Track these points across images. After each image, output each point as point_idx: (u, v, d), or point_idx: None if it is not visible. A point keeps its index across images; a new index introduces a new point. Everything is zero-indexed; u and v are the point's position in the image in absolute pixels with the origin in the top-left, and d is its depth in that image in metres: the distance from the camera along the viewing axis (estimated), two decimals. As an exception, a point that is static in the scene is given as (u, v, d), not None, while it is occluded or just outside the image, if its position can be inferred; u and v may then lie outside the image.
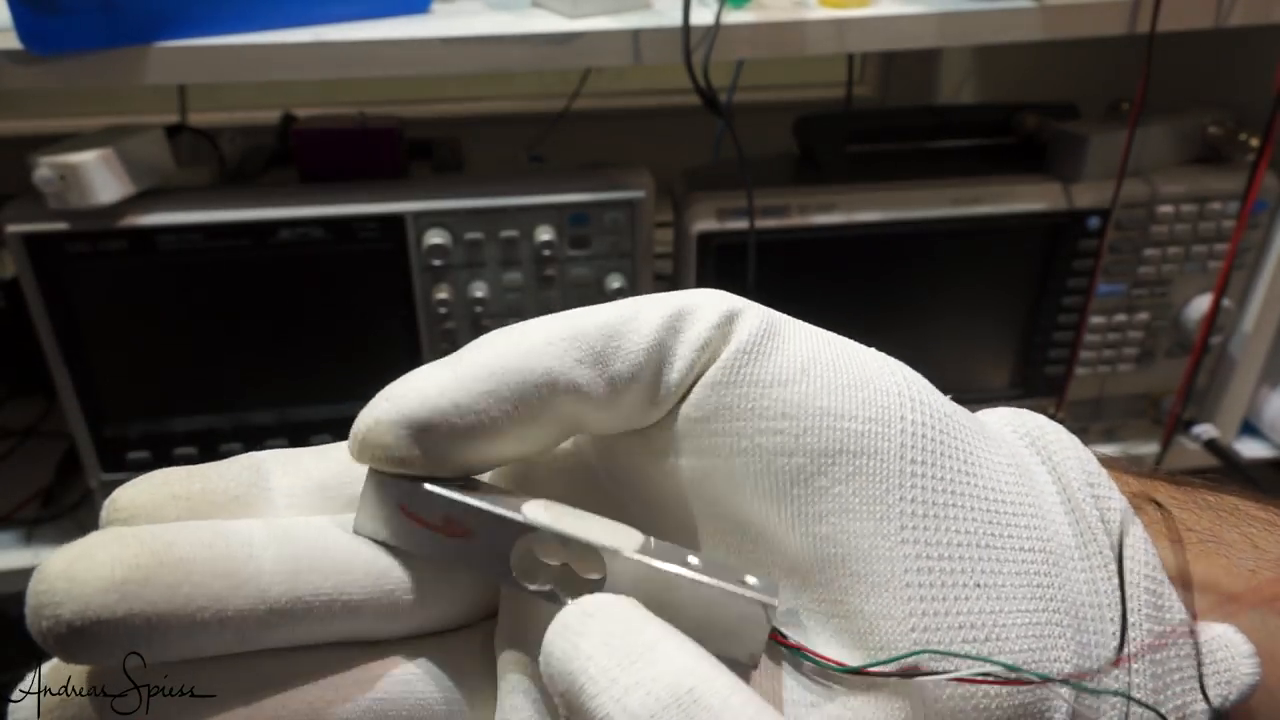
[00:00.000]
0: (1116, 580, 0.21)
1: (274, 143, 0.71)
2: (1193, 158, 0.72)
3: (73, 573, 0.17)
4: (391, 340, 0.65)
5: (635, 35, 0.56)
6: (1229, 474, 0.76)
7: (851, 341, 0.22)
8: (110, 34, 0.51)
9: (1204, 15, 0.61)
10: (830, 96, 1.07)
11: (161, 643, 0.18)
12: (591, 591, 0.19)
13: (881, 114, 0.99)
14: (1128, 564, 0.21)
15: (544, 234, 0.62)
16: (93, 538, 0.18)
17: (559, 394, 0.20)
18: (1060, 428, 0.23)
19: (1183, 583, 0.22)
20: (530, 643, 0.20)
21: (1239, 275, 0.72)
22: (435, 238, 0.61)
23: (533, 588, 0.20)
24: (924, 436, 0.20)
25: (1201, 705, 0.21)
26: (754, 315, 0.21)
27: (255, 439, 0.66)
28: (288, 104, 0.80)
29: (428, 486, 0.20)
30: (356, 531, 0.20)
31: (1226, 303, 0.71)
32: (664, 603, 0.19)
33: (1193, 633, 0.21)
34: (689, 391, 0.21)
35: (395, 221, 0.61)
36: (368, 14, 0.57)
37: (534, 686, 0.20)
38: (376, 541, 0.20)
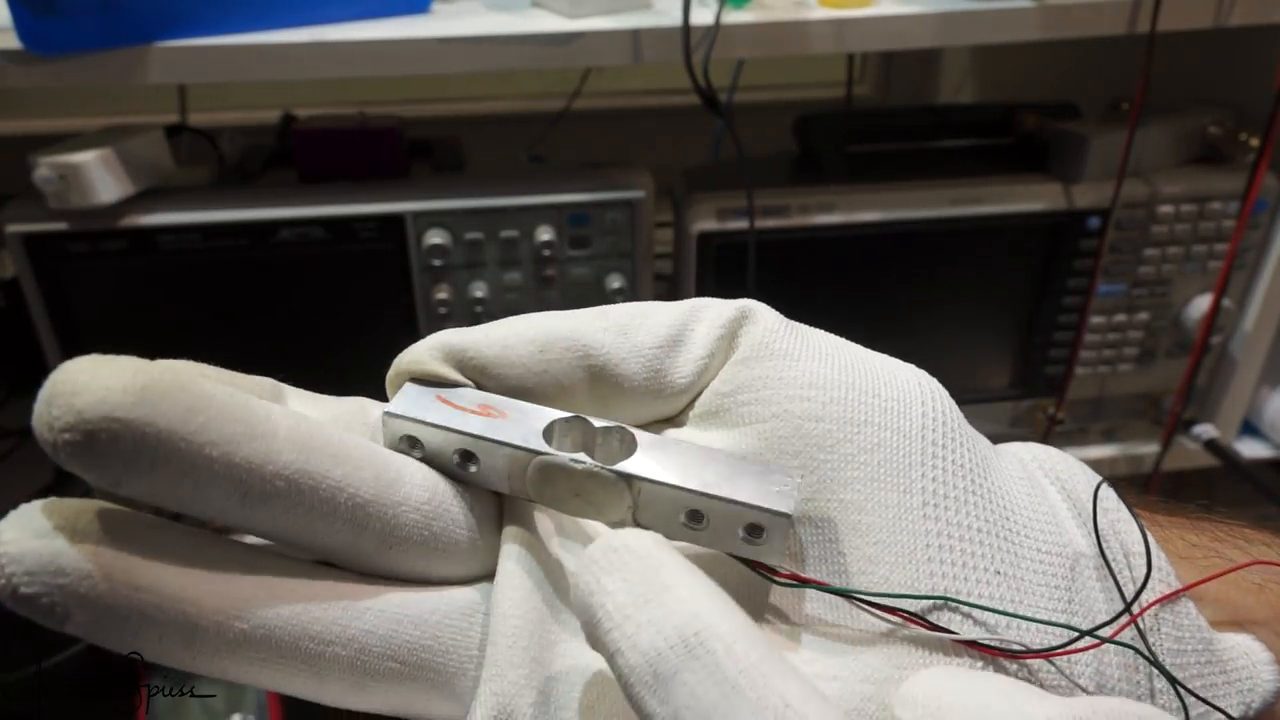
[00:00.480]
0: (1133, 588, 0.21)
1: (274, 143, 0.71)
2: (1193, 158, 0.72)
3: (96, 369, 0.17)
4: (391, 340, 0.64)
5: (635, 35, 0.56)
6: (1229, 474, 0.76)
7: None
8: (110, 34, 0.51)
9: (1204, 15, 0.61)
10: (830, 96, 1.07)
11: (166, 467, 0.17)
12: (617, 461, 0.20)
13: (881, 114, 0.99)
14: (1140, 573, 0.21)
15: (544, 234, 0.62)
16: (120, 357, 0.18)
17: (590, 358, 0.22)
18: (1067, 455, 0.24)
19: (1193, 596, 0.22)
20: (528, 518, 0.22)
21: (1239, 275, 0.72)
22: (435, 238, 0.61)
23: (562, 453, 0.20)
24: (943, 424, 0.21)
25: (1222, 714, 0.21)
26: (767, 311, 0.23)
27: (255, 439, 0.66)
28: (288, 104, 0.80)
29: (467, 387, 0.21)
30: (386, 413, 0.21)
31: (1226, 303, 0.71)
32: (698, 465, 0.20)
33: (1211, 640, 0.21)
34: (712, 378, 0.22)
35: (395, 221, 0.61)
36: (368, 14, 0.57)
37: (528, 555, 0.20)
38: (407, 419, 0.20)
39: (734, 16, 0.57)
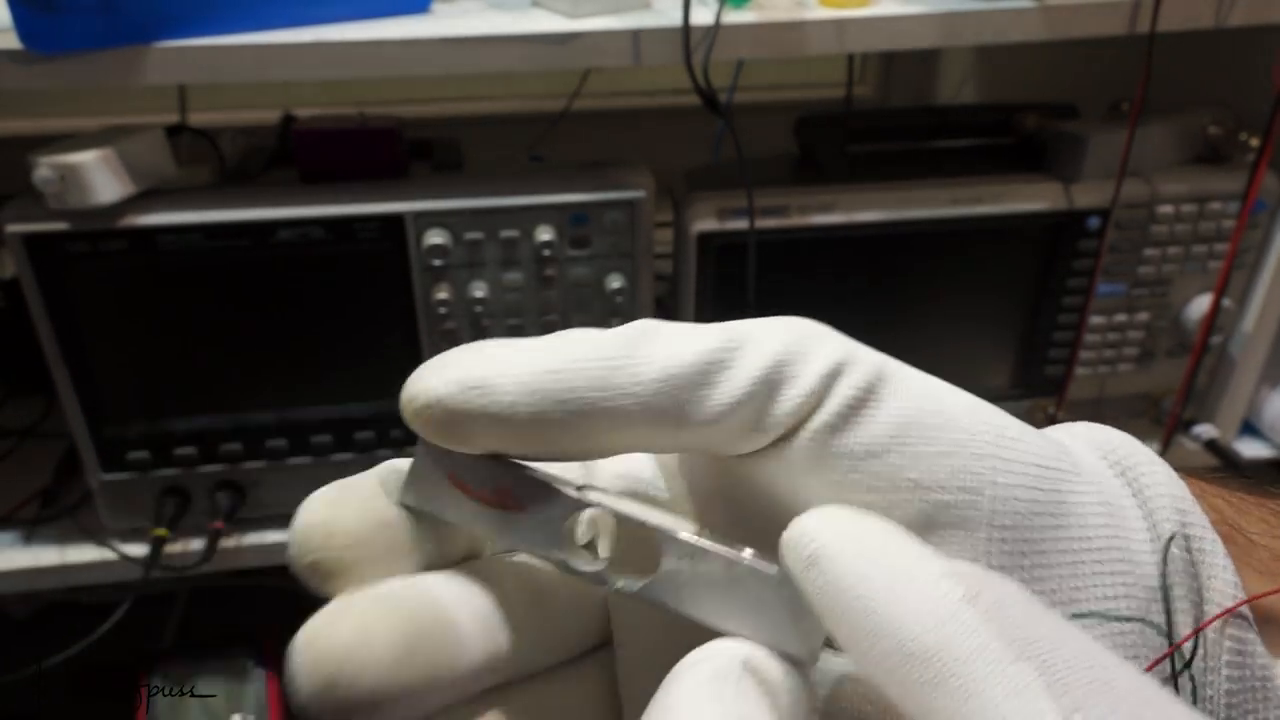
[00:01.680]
0: (1197, 625, 0.20)
1: (274, 143, 0.70)
2: (1193, 158, 0.72)
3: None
4: (391, 340, 0.64)
5: (635, 35, 0.56)
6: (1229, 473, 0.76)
7: (952, 390, 0.21)
8: (110, 34, 0.51)
9: (1204, 15, 0.61)
10: (830, 96, 1.07)
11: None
12: (644, 576, 0.19)
13: (881, 114, 0.99)
14: (1210, 609, 0.20)
15: (544, 234, 0.62)
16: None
17: (631, 434, 0.19)
18: (1151, 454, 0.22)
19: (1265, 616, 0.21)
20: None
21: (1239, 275, 0.72)
22: (435, 238, 0.61)
23: (582, 567, 0.19)
24: (1014, 498, 0.20)
25: None
26: (854, 374, 0.20)
27: (255, 439, 0.66)
28: (288, 104, 0.80)
29: (479, 456, 0.19)
30: (401, 504, 0.19)
31: (1226, 303, 0.71)
32: (721, 590, 0.18)
33: (1273, 675, 0.20)
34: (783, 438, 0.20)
35: (395, 221, 0.61)
36: (368, 14, 0.57)
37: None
38: (420, 512, 0.19)
39: (734, 16, 0.57)
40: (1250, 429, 0.81)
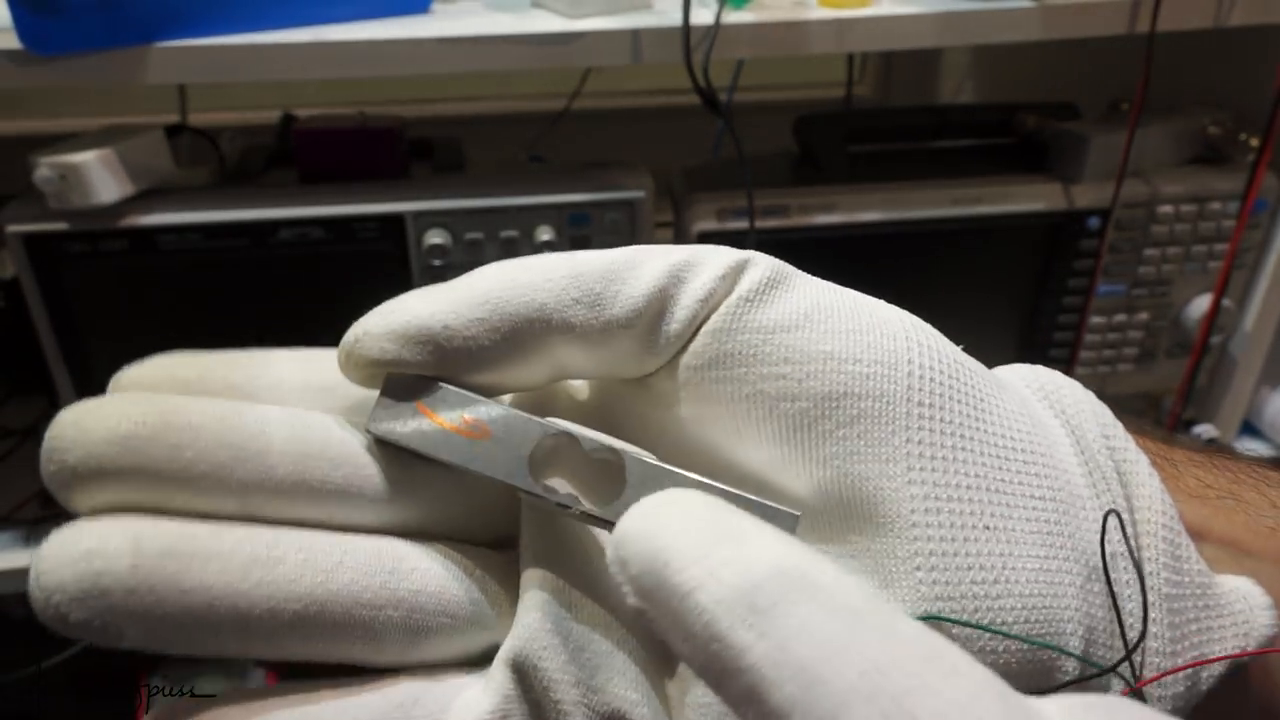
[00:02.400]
0: (1131, 530, 0.21)
1: (274, 143, 0.70)
2: (1193, 158, 0.72)
3: (81, 422, 0.18)
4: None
5: (635, 35, 0.56)
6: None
7: (861, 294, 0.22)
8: (110, 34, 0.51)
9: (1204, 15, 0.61)
10: (830, 96, 1.06)
11: (161, 498, 0.18)
12: (610, 503, 0.19)
13: (881, 114, 0.99)
14: (1143, 514, 0.21)
15: (544, 234, 0.62)
16: (106, 396, 0.18)
17: (551, 331, 0.20)
18: (1075, 383, 0.23)
19: (1200, 536, 0.22)
20: (557, 561, 0.20)
21: (1239, 275, 0.72)
22: (435, 238, 0.61)
23: (549, 495, 0.19)
24: (931, 380, 0.20)
25: (1219, 655, 0.20)
26: (761, 265, 0.21)
27: (255, 439, 0.66)
28: (288, 104, 0.80)
29: (448, 385, 0.20)
30: (369, 430, 0.20)
31: (1226, 303, 0.71)
32: None
33: (1210, 583, 0.21)
34: (690, 341, 0.21)
35: (395, 221, 0.61)
36: (368, 14, 0.57)
37: (555, 603, 0.19)
38: (387, 442, 0.20)
39: (734, 16, 0.57)
40: (1250, 429, 0.81)
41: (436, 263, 0.62)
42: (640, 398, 0.22)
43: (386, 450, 0.20)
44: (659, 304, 0.20)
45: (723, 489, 0.19)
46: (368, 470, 0.19)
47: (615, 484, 0.20)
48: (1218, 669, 0.20)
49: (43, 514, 0.70)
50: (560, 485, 0.20)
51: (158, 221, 0.59)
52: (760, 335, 0.20)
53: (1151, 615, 0.20)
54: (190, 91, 0.75)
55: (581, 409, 0.23)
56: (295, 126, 0.66)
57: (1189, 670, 0.20)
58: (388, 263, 0.62)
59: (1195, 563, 0.21)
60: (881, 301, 0.22)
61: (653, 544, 0.15)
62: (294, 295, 0.63)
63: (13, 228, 0.57)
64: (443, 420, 0.19)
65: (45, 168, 0.55)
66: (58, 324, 0.60)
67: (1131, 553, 0.20)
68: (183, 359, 0.20)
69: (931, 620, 0.19)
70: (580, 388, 0.23)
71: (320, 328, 0.71)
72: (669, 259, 0.20)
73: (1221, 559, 0.22)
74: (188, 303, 0.62)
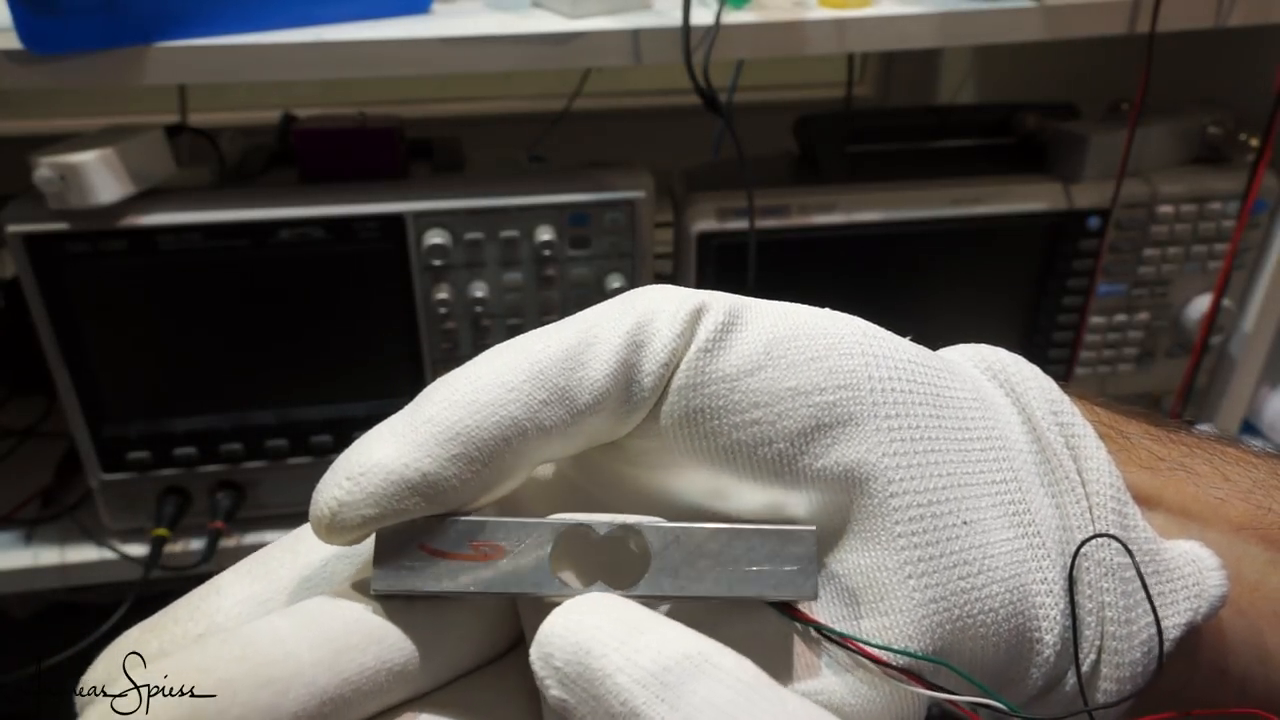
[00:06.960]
0: (1086, 503, 0.21)
1: (274, 143, 0.70)
2: (1193, 158, 0.72)
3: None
4: (392, 340, 0.64)
5: (635, 35, 0.56)
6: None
7: (807, 309, 0.22)
8: (110, 34, 0.51)
9: (1204, 15, 0.61)
10: (830, 96, 1.07)
11: None
12: (639, 575, 0.19)
13: (881, 114, 0.99)
14: (1092, 485, 0.22)
15: (544, 234, 0.62)
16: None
17: (528, 441, 0.19)
18: (1020, 359, 0.24)
19: (1150, 506, 0.23)
20: None
21: (1239, 275, 0.72)
22: (435, 238, 0.61)
23: (576, 588, 0.19)
24: (892, 389, 0.21)
25: (1174, 620, 0.21)
26: (714, 308, 0.21)
27: (255, 439, 0.66)
28: (288, 104, 0.80)
29: (443, 518, 0.19)
30: (375, 592, 0.19)
31: (1226, 303, 0.71)
32: (716, 560, 0.19)
33: (1158, 550, 0.22)
34: (661, 398, 0.20)
35: (395, 221, 0.61)
36: (368, 14, 0.57)
37: None
38: (401, 596, 0.19)
39: (734, 16, 0.57)
40: (1250, 429, 0.81)
41: (436, 263, 0.62)
42: (613, 458, 0.22)
43: (393, 605, 0.19)
44: (624, 377, 0.20)
45: (739, 528, 0.20)
46: (394, 640, 0.19)
47: (633, 558, 0.19)
48: (1174, 634, 0.21)
49: (42, 514, 0.70)
50: (575, 578, 0.20)
51: (158, 222, 0.59)
52: (726, 385, 0.20)
53: (1103, 585, 0.21)
54: (190, 91, 0.75)
55: (549, 488, 0.23)
56: (295, 127, 0.66)
57: (1144, 640, 0.21)
58: (388, 263, 0.62)
59: (1143, 530, 0.22)
60: (830, 313, 0.22)
61: (575, 638, 0.17)
62: (294, 295, 0.63)
63: (13, 228, 0.57)
64: (454, 555, 0.19)
65: (45, 168, 0.55)
66: (58, 324, 0.60)
67: (1070, 585, 0.21)
68: (139, 636, 0.19)
69: (943, 665, 0.20)
70: (563, 464, 0.23)
71: (320, 328, 0.71)
72: (622, 326, 0.20)
73: (1171, 528, 0.23)
74: (188, 303, 0.62)
